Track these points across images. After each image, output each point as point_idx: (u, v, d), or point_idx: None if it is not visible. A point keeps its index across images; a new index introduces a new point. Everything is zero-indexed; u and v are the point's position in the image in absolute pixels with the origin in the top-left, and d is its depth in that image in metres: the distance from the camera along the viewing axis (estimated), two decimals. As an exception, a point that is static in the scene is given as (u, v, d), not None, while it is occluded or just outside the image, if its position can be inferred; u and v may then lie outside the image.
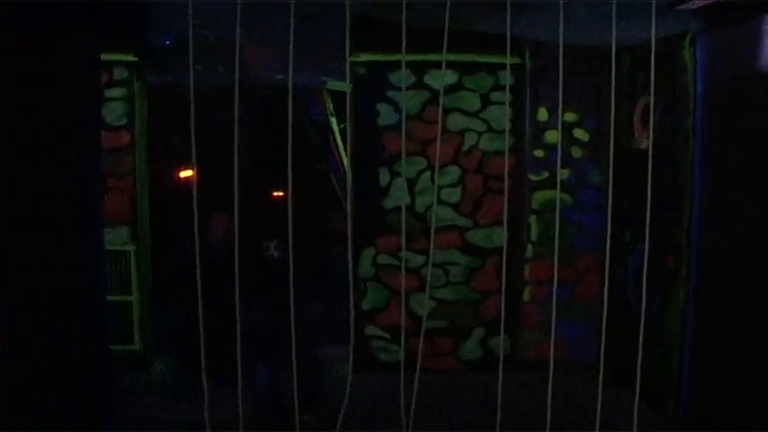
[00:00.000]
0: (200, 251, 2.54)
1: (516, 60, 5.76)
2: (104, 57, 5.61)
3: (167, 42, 5.59)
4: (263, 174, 4.95)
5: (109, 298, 5.65)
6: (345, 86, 6.41)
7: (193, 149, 2.75)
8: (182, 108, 9.43)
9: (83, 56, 3.82)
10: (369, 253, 5.82)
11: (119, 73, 5.80)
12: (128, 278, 5.95)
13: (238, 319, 2.63)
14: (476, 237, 5.86)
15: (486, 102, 5.76)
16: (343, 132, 8.16)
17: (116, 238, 5.87)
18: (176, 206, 9.01)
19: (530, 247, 5.89)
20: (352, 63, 5.63)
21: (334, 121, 8.24)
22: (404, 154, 2.95)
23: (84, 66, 3.86)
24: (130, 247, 5.93)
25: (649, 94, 4.99)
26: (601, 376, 2.76)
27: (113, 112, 5.81)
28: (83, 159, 3.92)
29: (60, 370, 3.61)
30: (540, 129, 5.77)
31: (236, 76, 1.92)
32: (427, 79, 5.69)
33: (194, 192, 2.61)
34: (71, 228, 3.72)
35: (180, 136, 9.03)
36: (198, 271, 2.62)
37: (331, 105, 8.15)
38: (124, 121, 5.83)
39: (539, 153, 5.80)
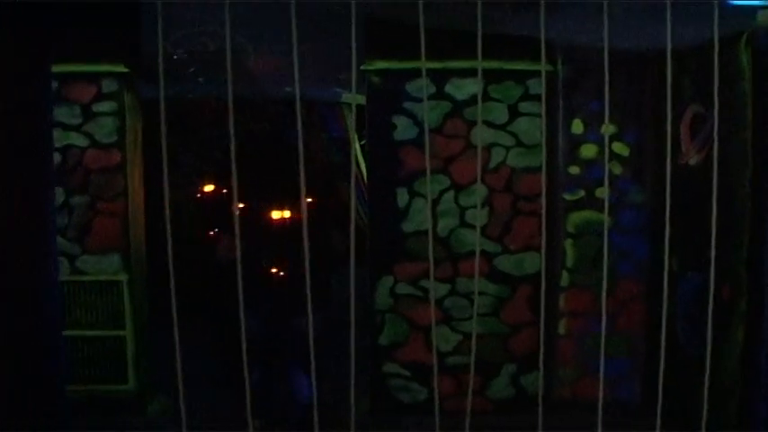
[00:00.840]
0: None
1: (548, 67, 5.71)
2: (92, 68, 5.75)
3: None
4: (274, 192, 5.39)
5: (100, 333, 5.91)
6: (356, 98, 6.40)
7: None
8: (183, 123, 9.66)
9: (27, 58, 3.60)
10: (386, 282, 5.80)
11: (108, 85, 5.84)
12: (120, 311, 5.94)
13: (243, 335, 2.60)
14: (505, 263, 5.83)
15: (514, 113, 5.75)
16: (364, 149, 8.14)
17: (107, 266, 5.90)
18: (180, 228, 9.22)
19: (565, 274, 5.83)
20: (366, 72, 5.64)
21: (356, 137, 8.42)
22: (428, 171, 2.91)
23: (29, 69, 3.64)
24: (123, 277, 5.94)
25: (698, 103, 5.04)
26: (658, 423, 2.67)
27: (102, 129, 5.84)
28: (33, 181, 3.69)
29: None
30: (575, 143, 5.74)
31: (230, 88, 1.90)
32: (449, 89, 5.69)
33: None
34: (18, 257, 3.54)
35: (185, 153, 9.22)
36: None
37: (353, 121, 8.24)
38: (114, 138, 5.86)
39: (574, 170, 5.76)
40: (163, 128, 1.76)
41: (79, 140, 5.83)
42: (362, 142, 8.04)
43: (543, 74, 2.58)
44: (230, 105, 2.37)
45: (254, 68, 6.67)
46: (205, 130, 9.39)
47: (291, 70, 6.88)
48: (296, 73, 2.30)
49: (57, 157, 5.77)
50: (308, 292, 2.48)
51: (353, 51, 1.67)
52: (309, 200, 5.87)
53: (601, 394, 2.66)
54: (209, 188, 9.65)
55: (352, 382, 1.83)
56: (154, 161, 9.02)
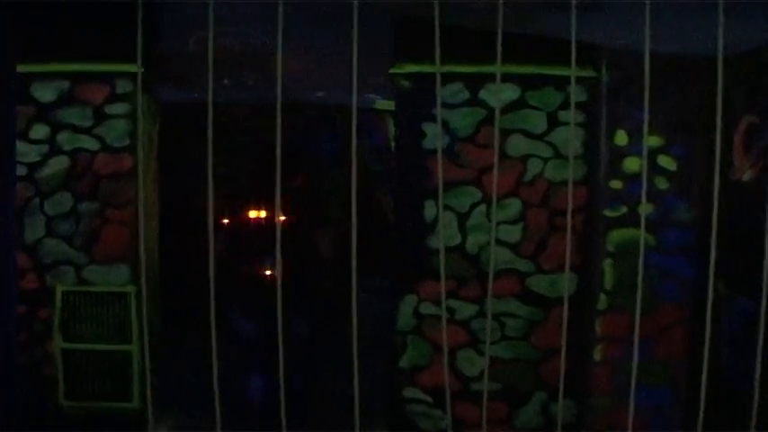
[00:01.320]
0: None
1: (590, 72, 5.66)
2: (104, 68, 5.77)
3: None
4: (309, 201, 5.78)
5: (104, 347, 5.95)
6: (382, 104, 6.42)
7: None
8: (205, 129, 9.64)
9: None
10: (410, 301, 5.76)
11: (122, 86, 5.84)
12: (127, 324, 5.95)
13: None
14: (538, 284, 5.77)
15: (553, 122, 5.69)
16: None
17: (114, 277, 5.91)
18: (199, 240, 9.23)
19: (603, 297, 5.73)
20: (395, 76, 5.61)
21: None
22: (441, 184, 2.90)
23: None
24: (131, 289, 5.94)
25: (753, 113, 4.94)
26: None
27: (114, 131, 5.85)
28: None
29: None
30: (618, 155, 5.64)
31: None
32: (483, 95, 5.65)
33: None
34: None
35: (215, 159, 9.19)
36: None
37: (395, 129, 8.46)
38: (126, 141, 5.86)
39: (616, 184, 5.67)
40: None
41: (89, 144, 5.84)
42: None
43: (573, 80, 2.53)
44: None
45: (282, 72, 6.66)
46: (233, 137, 9.37)
47: (321, 73, 6.90)
48: (278, 78, 2.24)
49: (65, 162, 5.86)
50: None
51: (354, 56, 1.63)
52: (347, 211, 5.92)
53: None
54: (237, 198, 9.73)
55: (356, 382, 1.78)
56: (169, 167, 9.20)
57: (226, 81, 7.61)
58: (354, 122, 1.82)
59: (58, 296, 5.93)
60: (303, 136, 9.40)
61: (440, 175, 2.05)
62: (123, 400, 5.98)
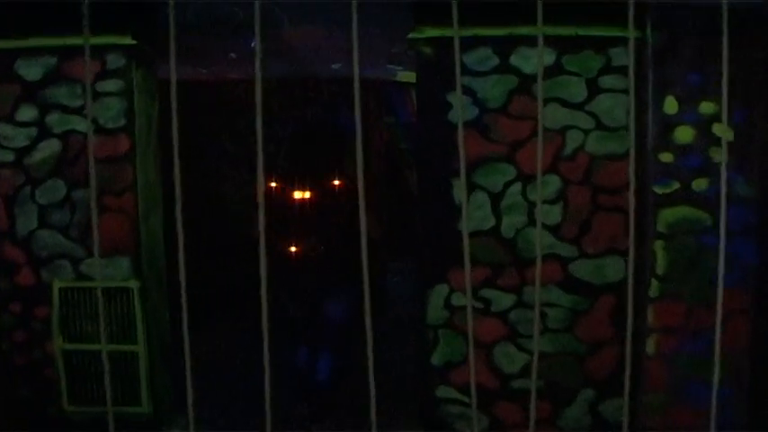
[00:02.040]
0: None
1: (634, 33, 5.42)
2: (94, 41, 5.63)
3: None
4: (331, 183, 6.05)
5: (108, 347, 5.85)
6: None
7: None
8: (219, 106, 9.73)
9: None
10: (440, 291, 5.66)
11: (113, 60, 5.75)
12: (131, 322, 5.91)
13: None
14: (582, 269, 5.64)
15: (594, 89, 5.53)
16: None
17: (114, 271, 5.87)
18: (215, 224, 9.40)
19: (655, 282, 5.57)
20: (415, 41, 5.48)
21: None
22: (462, 165, 2.78)
23: None
24: (133, 284, 5.90)
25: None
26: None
27: (107, 111, 5.77)
28: None
29: None
30: (668, 125, 5.47)
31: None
32: (515, 60, 5.49)
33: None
34: None
35: (231, 139, 9.61)
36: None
37: (418, 102, 8.55)
38: (122, 122, 5.79)
39: (666, 157, 5.49)
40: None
41: (82, 125, 5.75)
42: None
43: (631, 42, 2.36)
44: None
45: (293, 43, 6.57)
46: (248, 115, 9.47)
47: (336, 44, 6.79)
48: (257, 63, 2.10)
49: (57, 145, 5.81)
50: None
51: (355, 53, 1.51)
52: (337, 182, 6.02)
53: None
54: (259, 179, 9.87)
55: (371, 371, 1.68)
56: (173, 149, 9.30)
57: (233, 55, 7.52)
58: (358, 114, 1.69)
59: (56, 293, 5.91)
60: (325, 113, 9.39)
61: (461, 152, 1.90)
62: (131, 404, 5.96)
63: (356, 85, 1.71)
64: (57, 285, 5.90)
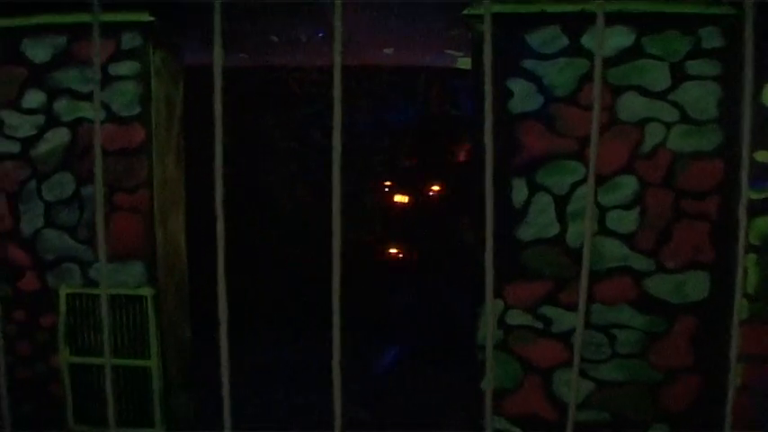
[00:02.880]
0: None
1: (724, 10, 5.00)
2: (106, 17, 5.27)
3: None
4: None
5: (118, 362, 5.61)
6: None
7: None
8: (266, 97, 9.54)
9: None
10: (494, 306, 5.22)
11: (128, 40, 5.39)
12: (144, 335, 5.61)
13: None
14: (660, 286, 5.18)
15: (679, 76, 5.03)
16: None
17: (126, 277, 5.56)
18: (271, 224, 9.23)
19: (744, 302, 5.11)
20: (470, 19, 5.05)
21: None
22: (490, 161, 2.43)
23: None
24: (147, 291, 5.56)
25: None
26: None
27: (121, 97, 5.43)
28: None
29: None
30: (766, 118, 4.98)
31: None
32: (587, 41, 5.01)
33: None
34: None
35: (276, 134, 9.52)
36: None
37: (475, 89, 8.67)
38: (137, 109, 5.44)
39: (763, 156, 5.00)
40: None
41: (92, 113, 5.40)
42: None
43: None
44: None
45: (344, 27, 6.26)
46: (298, 106, 9.39)
47: (387, 27, 6.38)
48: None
49: (65, 135, 5.50)
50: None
51: (338, 55, 1.16)
52: (437, 187, 5.85)
53: None
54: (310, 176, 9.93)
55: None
56: (198, 141, 9.07)
57: (274, 38, 7.22)
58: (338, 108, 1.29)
59: (63, 299, 5.62)
60: (377, 102, 9.22)
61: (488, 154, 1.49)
62: (143, 425, 5.71)
63: (337, 75, 1.31)
64: (64, 291, 5.61)
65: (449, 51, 6.51)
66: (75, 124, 5.46)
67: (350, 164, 8.69)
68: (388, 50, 6.08)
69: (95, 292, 5.59)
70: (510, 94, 5.08)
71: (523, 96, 5.08)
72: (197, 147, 8.96)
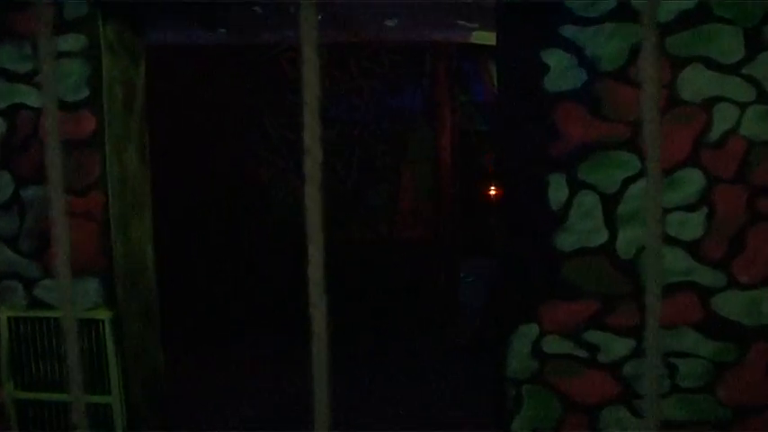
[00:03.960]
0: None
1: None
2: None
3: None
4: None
5: (68, 398, 4.85)
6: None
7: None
8: (261, 80, 8.89)
9: None
10: (527, 332, 4.52)
11: (72, 8, 4.62)
12: (102, 365, 4.89)
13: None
14: (731, 305, 4.47)
15: (755, 44, 4.23)
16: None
17: (78, 297, 4.81)
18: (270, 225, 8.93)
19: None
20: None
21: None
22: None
23: None
24: (104, 314, 4.82)
25: None
26: None
27: (66, 79, 4.69)
28: None
29: None
30: None
31: None
32: (639, 2, 4.08)
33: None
34: None
35: (271, 123, 8.94)
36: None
37: (499, 64, 8.55)
38: (85, 93, 4.68)
39: None
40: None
41: (31, 98, 4.70)
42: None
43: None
44: None
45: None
46: (292, 90, 8.75)
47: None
48: None
49: (0, 125, 4.77)
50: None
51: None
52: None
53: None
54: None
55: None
56: (166, 132, 8.38)
57: (257, 8, 6.45)
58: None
59: (4, 324, 4.92)
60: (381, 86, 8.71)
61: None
62: None
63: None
64: (5, 314, 4.90)
65: (461, 23, 5.67)
66: (12, 112, 4.71)
67: (349, 155, 7.88)
68: (390, 22, 5.29)
69: (42, 314, 4.84)
70: (545, 68, 4.30)
71: (561, 71, 4.31)
72: (171, 139, 8.12)
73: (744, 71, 4.20)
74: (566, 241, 4.35)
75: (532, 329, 4.48)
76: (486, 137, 10.19)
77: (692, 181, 4.30)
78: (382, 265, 8.68)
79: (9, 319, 4.89)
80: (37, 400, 4.96)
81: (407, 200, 8.69)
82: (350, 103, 8.47)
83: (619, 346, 4.41)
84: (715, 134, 4.26)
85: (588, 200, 4.31)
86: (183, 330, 7.53)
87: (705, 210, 4.31)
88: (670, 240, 4.24)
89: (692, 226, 4.32)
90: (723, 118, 4.25)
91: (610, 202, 4.29)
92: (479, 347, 7.32)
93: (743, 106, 4.22)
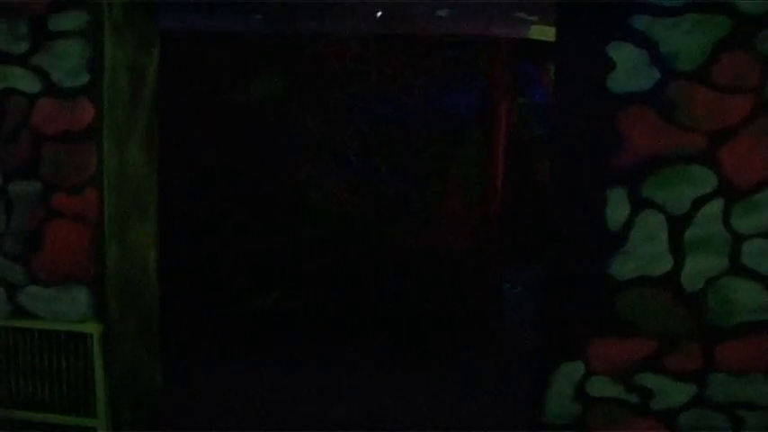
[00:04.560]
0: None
1: None
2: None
3: None
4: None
5: (56, 419, 4.37)
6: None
7: None
8: (295, 73, 8.31)
9: None
10: (571, 372, 3.88)
11: None
12: (89, 384, 4.39)
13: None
14: None
15: None
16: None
17: (65, 307, 4.34)
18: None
19: None
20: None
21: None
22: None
23: None
24: (92, 328, 4.32)
25: None
26: None
27: (63, 62, 4.18)
28: None
29: None
30: None
31: None
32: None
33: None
34: None
35: (310, 121, 8.48)
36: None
37: (558, 62, 8.26)
38: (84, 79, 4.17)
39: None
40: None
41: (25, 82, 4.20)
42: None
43: None
44: None
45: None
46: (335, 85, 8.30)
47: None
48: None
49: None
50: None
51: None
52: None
53: None
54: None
55: None
56: (189, 128, 7.94)
57: None
58: None
59: None
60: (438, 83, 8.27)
61: None
62: None
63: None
64: None
65: (517, 14, 5.14)
66: (2, 97, 4.21)
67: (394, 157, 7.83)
68: (441, 12, 4.85)
69: (27, 325, 4.35)
70: (610, 65, 3.68)
71: (630, 69, 3.68)
72: (195, 136, 7.56)
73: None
74: (623, 268, 3.73)
75: (577, 368, 3.85)
76: (543, 142, 9.86)
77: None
78: (422, 276, 8.20)
79: (-8, 329, 4.51)
80: (15, 420, 4.46)
81: (453, 206, 8.20)
82: (398, 101, 7.97)
83: (676, 393, 3.78)
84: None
85: (652, 221, 3.69)
86: (203, 344, 7.11)
87: (789, 236, 3.71)
88: (744, 272, 3.62)
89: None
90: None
91: (677, 225, 3.67)
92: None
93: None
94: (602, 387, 3.86)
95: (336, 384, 6.48)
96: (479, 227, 8.01)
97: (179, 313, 6.23)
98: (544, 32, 5.59)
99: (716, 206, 3.65)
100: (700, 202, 3.67)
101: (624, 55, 3.64)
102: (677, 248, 3.70)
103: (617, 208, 3.72)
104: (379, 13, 5.60)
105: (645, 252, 3.71)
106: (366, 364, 6.86)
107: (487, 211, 7.88)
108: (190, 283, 7.64)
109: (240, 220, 8.19)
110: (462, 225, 8.01)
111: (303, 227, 8.39)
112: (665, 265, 3.70)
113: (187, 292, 7.40)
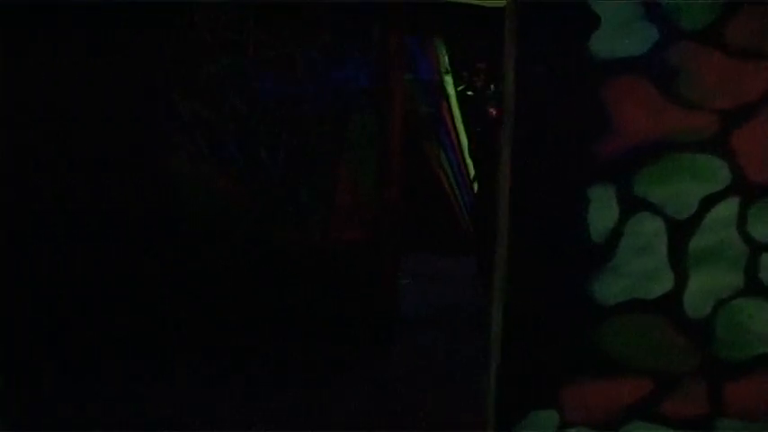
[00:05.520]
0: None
1: None
2: None
3: None
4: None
5: None
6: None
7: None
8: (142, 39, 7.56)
9: None
10: (543, 422, 3.14)
11: None
12: None
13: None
14: None
15: None
16: (472, 99, 8.36)
17: None
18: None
19: None
20: None
21: (449, 81, 7.92)
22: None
23: None
24: None
25: None
26: None
27: None
28: None
29: None
30: None
31: None
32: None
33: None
34: None
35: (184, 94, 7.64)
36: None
37: (446, 59, 8.15)
38: None
39: None
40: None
41: None
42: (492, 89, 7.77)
43: None
44: None
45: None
46: (208, 59, 7.47)
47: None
48: None
49: None
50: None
51: None
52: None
53: None
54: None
55: None
56: (18, 124, 7.48)
57: None
58: None
59: None
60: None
61: None
62: None
63: None
64: None
65: None
66: None
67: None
68: None
69: None
70: (593, 22, 2.85)
71: (619, 27, 2.88)
72: (34, 122, 6.90)
73: None
74: (610, 289, 2.96)
75: (550, 418, 3.09)
76: (429, 121, 9.79)
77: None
78: (312, 276, 7.38)
79: None
80: None
81: (345, 195, 7.48)
82: (280, 75, 7.13)
83: (683, 440, 3.16)
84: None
85: (648, 227, 2.93)
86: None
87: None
88: (764, 292, 2.91)
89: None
90: None
91: (679, 232, 2.93)
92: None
93: None
94: (580, 439, 3.22)
95: (220, 396, 5.80)
96: (376, 216, 7.29)
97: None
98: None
99: (729, 208, 2.92)
100: (709, 202, 2.92)
101: (612, 8, 2.83)
102: (679, 263, 2.96)
103: (602, 211, 2.94)
104: None
105: (638, 268, 2.95)
106: (241, 376, 6.15)
107: (385, 199, 7.18)
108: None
109: (92, 217, 7.21)
110: (357, 215, 7.31)
111: (171, 225, 7.52)
112: (665, 284, 2.97)
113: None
